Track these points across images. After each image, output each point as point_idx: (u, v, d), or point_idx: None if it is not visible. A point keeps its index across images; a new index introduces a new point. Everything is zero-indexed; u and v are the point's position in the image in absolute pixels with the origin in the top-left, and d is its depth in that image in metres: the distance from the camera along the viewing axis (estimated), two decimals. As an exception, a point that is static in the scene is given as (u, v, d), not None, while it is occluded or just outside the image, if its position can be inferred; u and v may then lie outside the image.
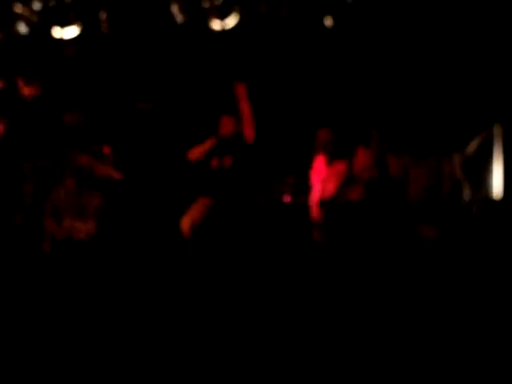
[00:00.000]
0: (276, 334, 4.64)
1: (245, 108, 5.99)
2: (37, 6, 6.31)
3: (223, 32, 6.29)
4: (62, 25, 6.36)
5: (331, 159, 6.23)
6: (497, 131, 6.43)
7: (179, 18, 6.26)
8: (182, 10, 6.25)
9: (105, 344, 4.51)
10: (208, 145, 6.11)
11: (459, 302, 5.09)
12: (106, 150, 6.22)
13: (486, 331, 4.59)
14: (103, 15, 6.36)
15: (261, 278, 5.66)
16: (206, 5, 6.16)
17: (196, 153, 6.13)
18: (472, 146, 6.48)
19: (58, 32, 6.30)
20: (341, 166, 6.19)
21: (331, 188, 6.18)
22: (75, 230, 5.73)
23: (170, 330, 4.73)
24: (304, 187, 6.36)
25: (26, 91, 6.54)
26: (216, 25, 6.18)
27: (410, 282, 5.43)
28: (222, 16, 6.17)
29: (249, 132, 6.02)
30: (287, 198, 6.57)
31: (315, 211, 6.22)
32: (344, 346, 4.48)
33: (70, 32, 6.33)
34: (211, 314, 4.99)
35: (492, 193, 6.41)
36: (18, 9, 6.21)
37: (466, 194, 6.46)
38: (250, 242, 6.01)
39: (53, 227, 5.73)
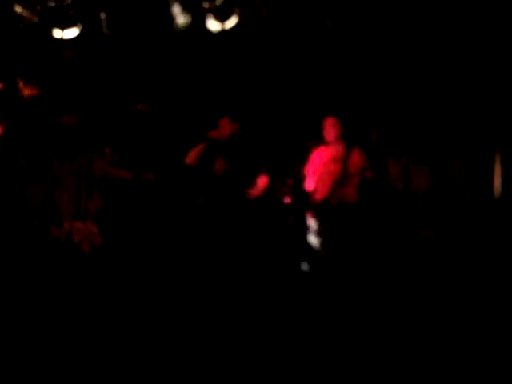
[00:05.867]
0: (273, 337, 4.65)
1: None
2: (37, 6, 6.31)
3: (222, 33, 6.29)
4: (62, 26, 6.35)
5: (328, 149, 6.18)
6: (497, 132, 6.45)
7: (179, 19, 6.25)
8: (183, 11, 6.24)
9: (105, 345, 4.52)
10: (201, 147, 6.10)
11: (459, 302, 5.10)
12: (106, 151, 6.22)
13: (486, 331, 4.60)
14: (103, 16, 6.35)
15: (257, 279, 5.66)
16: (205, 5, 6.14)
17: (191, 156, 6.12)
18: (471, 147, 6.49)
19: (58, 33, 6.28)
20: (336, 166, 6.14)
21: (325, 189, 6.15)
22: (75, 232, 5.73)
23: (170, 331, 4.75)
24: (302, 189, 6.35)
25: (26, 91, 6.54)
26: (214, 26, 6.16)
27: (409, 283, 5.43)
28: (221, 17, 6.16)
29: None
30: (287, 200, 6.56)
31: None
32: (344, 347, 4.49)
33: (70, 33, 6.32)
34: (210, 316, 5.00)
35: (492, 193, 6.42)
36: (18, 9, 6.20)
37: (466, 194, 6.47)
38: (247, 243, 6.00)
39: (54, 230, 5.73)
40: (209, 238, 5.95)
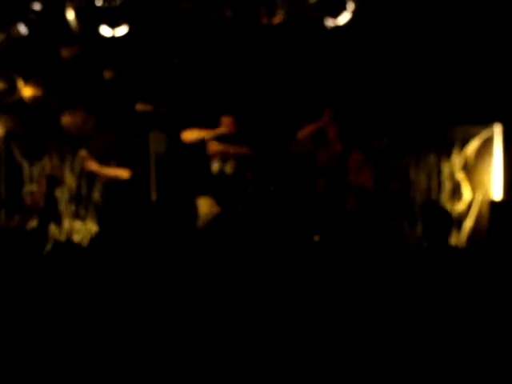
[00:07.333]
0: (272, 334, 4.65)
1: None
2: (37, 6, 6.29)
3: (225, 33, 6.29)
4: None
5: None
6: (497, 130, 6.44)
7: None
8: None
9: (104, 345, 4.52)
10: (205, 133, 6.11)
11: (457, 305, 5.09)
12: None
13: (485, 332, 4.59)
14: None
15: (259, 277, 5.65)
16: None
17: (192, 135, 6.13)
18: (472, 146, 6.49)
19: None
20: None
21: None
22: (75, 232, 5.74)
23: (170, 330, 4.74)
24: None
25: (26, 91, 6.55)
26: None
27: (405, 287, 5.40)
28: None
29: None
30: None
31: None
32: (343, 344, 4.49)
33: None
34: (211, 314, 4.99)
35: (492, 193, 6.42)
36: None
37: (466, 194, 6.47)
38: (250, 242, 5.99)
39: (54, 229, 5.74)
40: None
